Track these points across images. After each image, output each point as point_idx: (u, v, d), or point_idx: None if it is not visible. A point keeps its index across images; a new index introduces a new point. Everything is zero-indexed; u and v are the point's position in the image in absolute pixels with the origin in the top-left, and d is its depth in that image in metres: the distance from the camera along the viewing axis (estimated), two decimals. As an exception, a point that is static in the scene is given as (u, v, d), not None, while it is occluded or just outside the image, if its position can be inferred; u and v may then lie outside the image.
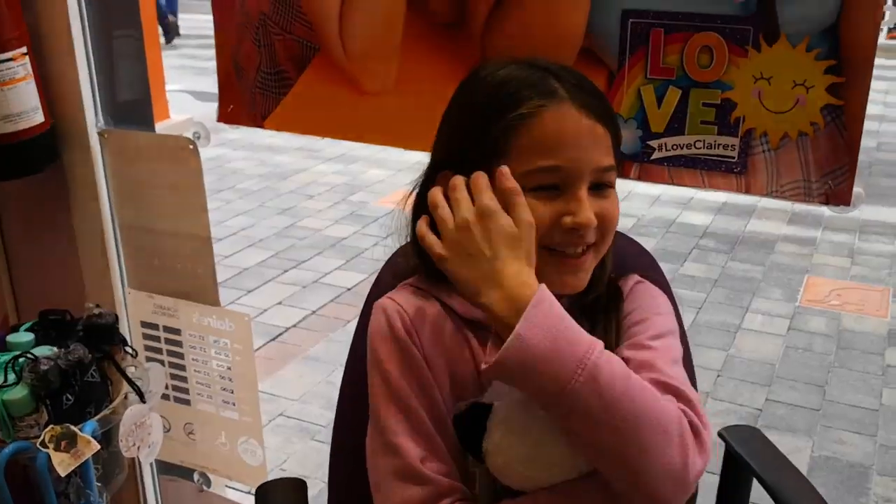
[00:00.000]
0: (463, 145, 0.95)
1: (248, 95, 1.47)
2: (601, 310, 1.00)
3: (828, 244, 4.34)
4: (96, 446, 1.36)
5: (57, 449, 1.34)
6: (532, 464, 0.89)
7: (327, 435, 2.72)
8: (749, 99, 1.13)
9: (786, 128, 1.12)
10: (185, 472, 1.86)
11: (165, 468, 1.86)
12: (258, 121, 1.47)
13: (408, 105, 1.34)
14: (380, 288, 1.12)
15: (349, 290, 3.87)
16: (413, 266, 1.05)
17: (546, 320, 0.82)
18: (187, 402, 1.74)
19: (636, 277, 1.05)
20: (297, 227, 4.68)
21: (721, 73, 1.14)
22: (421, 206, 0.99)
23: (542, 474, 0.90)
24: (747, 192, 1.17)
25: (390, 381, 0.95)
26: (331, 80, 1.39)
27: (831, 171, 1.12)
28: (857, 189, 1.11)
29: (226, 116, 1.51)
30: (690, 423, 0.85)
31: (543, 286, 0.85)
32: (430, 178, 0.98)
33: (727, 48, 1.12)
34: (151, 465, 1.84)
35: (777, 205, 4.85)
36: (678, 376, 0.92)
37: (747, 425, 1.26)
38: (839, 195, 1.12)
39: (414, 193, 1.02)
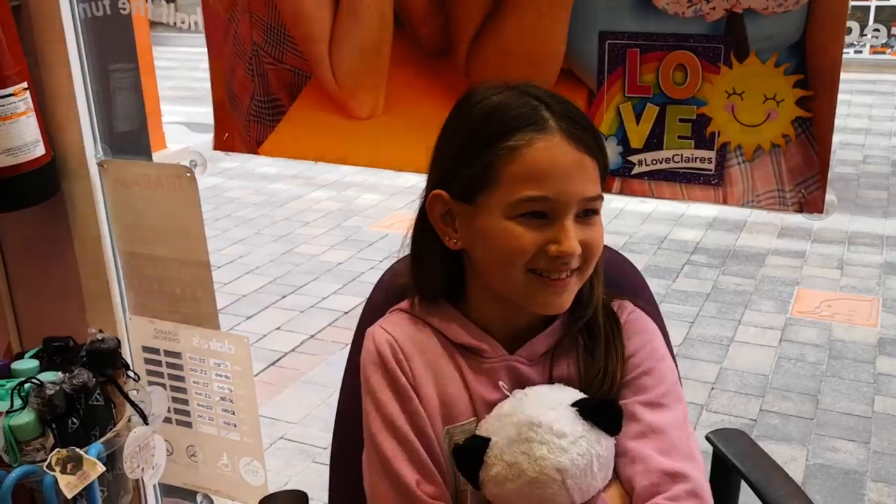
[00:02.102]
0: (455, 168, 0.98)
1: (243, 123, 1.52)
2: (600, 336, 1.03)
3: (817, 256, 4.39)
4: (102, 468, 1.40)
5: (63, 471, 1.37)
6: (527, 497, 0.94)
7: (328, 457, 2.75)
8: (723, 114, 1.18)
9: (759, 140, 1.17)
10: (187, 495, 1.89)
11: (168, 491, 1.89)
12: (253, 148, 1.52)
13: (396, 129, 1.39)
14: (372, 306, 1.16)
15: (346, 313, 3.90)
16: (404, 285, 1.09)
17: None
18: (189, 425, 1.77)
19: (630, 307, 1.08)
20: (293, 254, 4.72)
21: (695, 90, 1.19)
22: (423, 227, 1.03)
23: None
24: (724, 202, 1.21)
25: (383, 409, 1.00)
26: (322, 107, 1.44)
27: (804, 181, 1.17)
28: (829, 197, 1.16)
29: (222, 144, 1.55)
30: None
31: None
32: (426, 196, 1.02)
33: (700, 66, 1.17)
34: (155, 487, 1.87)
35: (767, 219, 4.90)
36: (684, 441, 0.97)
37: (734, 429, 1.29)
38: (812, 203, 1.17)
39: (414, 215, 1.06)
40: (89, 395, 1.44)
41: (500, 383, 1.01)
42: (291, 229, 5.15)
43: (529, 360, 1.03)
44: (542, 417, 0.93)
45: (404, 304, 1.08)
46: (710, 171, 1.21)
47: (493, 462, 0.94)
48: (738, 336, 3.54)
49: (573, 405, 0.95)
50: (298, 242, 4.91)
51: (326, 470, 2.80)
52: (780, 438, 2.79)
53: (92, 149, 1.66)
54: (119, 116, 1.76)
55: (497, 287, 1.00)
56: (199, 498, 1.85)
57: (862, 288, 3.98)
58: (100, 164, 1.66)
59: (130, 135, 1.79)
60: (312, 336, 3.71)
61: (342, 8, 1.37)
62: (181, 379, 1.75)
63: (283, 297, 4.15)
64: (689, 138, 1.21)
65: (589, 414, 0.95)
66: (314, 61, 1.41)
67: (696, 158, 1.21)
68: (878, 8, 8.68)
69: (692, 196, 1.23)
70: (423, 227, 1.03)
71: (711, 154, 1.20)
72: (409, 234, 1.06)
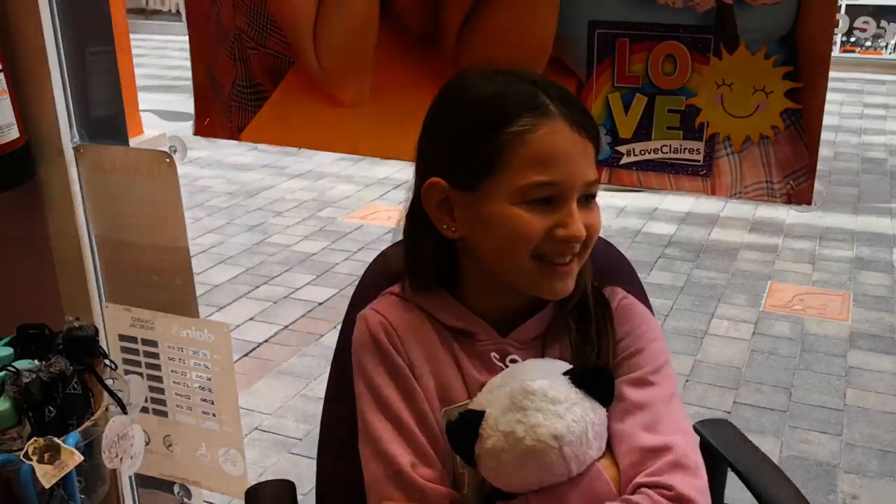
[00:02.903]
0: (454, 156, 0.97)
1: (224, 108, 1.49)
2: (590, 321, 1.03)
3: (789, 251, 4.43)
4: (80, 458, 1.37)
5: (41, 461, 1.34)
6: (524, 468, 0.93)
7: (304, 448, 2.73)
8: (712, 105, 1.18)
9: (748, 131, 1.18)
10: (164, 485, 1.87)
11: (145, 481, 1.86)
12: (234, 133, 1.50)
13: (382, 116, 1.38)
14: (362, 293, 1.15)
15: (321, 304, 3.88)
16: (396, 271, 1.08)
17: None
18: (166, 415, 1.75)
19: (621, 293, 1.08)
20: (266, 244, 4.68)
21: (685, 81, 1.19)
22: (415, 216, 1.02)
23: (533, 478, 0.94)
24: (713, 193, 1.22)
25: (377, 391, 0.99)
26: (306, 93, 1.42)
27: (792, 172, 1.18)
28: (818, 187, 1.16)
29: (202, 129, 1.53)
30: (665, 497, 0.90)
31: None
32: (420, 185, 1.00)
33: (690, 56, 1.17)
34: (131, 478, 1.85)
35: (739, 213, 4.94)
36: (668, 416, 0.96)
37: (721, 419, 1.30)
38: (801, 194, 1.18)
39: (407, 203, 1.05)
40: (66, 383, 1.42)
41: (493, 354, 1.00)
42: (264, 219, 5.11)
43: (521, 343, 1.03)
44: (535, 385, 0.93)
45: (395, 287, 1.07)
46: (699, 161, 1.21)
47: (489, 434, 0.93)
48: (711, 329, 3.56)
49: (565, 374, 0.95)
50: (272, 232, 4.87)
51: (302, 461, 2.78)
52: (753, 430, 2.82)
53: (68, 133, 1.62)
54: (96, 100, 1.73)
55: (500, 274, 0.99)
56: (176, 488, 1.83)
57: (833, 283, 4.03)
58: (76, 149, 1.63)
59: (107, 119, 1.76)
60: (286, 327, 3.69)
61: (328, -7, 1.35)
62: (158, 367, 1.73)
63: (257, 287, 4.11)
64: (678, 129, 1.21)
65: (581, 382, 0.94)
66: (298, 46, 1.40)
67: (684, 149, 1.22)
68: (847, 6, 8.83)
69: (680, 186, 1.23)
70: (416, 216, 1.01)
71: (700, 145, 1.21)
72: (402, 222, 1.05)
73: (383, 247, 4.43)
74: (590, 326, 1.02)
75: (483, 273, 1.01)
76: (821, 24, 1.10)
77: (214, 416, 1.72)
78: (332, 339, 3.61)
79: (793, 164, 1.17)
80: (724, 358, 3.31)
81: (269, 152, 6.38)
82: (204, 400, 1.71)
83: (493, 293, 1.02)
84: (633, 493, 0.92)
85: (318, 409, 3.52)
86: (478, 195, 0.95)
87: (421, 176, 1.01)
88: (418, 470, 0.96)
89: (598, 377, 0.96)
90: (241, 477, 1.74)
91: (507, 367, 1.00)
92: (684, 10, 1.15)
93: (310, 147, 1.45)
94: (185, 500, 1.83)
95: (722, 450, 1.20)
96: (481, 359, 1.01)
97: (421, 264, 1.03)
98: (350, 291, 4.22)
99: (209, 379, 1.69)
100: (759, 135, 1.17)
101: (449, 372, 1.01)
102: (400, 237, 1.07)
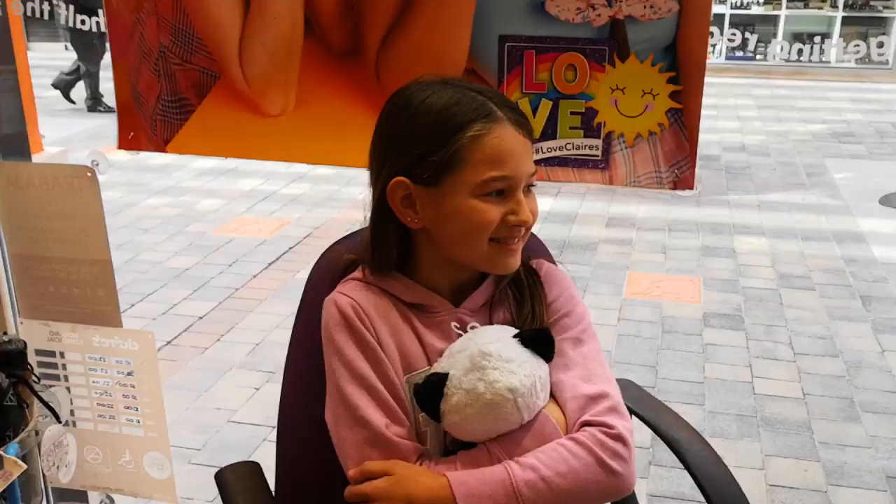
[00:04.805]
0: (415, 159, 1.10)
1: (149, 122, 1.56)
2: (524, 288, 1.20)
3: (643, 243, 4.77)
4: (24, 466, 1.40)
5: (-16, 472, 1.37)
6: (484, 419, 1.08)
7: (203, 457, 2.76)
8: (608, 107, 1.36)
9: (638, 129, 1.36)
10: (81, 496, 1.88)
11: (62, 494, 1.87)
12: (160, 146, 1.56)
13: (308, 125, 1.48)
14: (314, 288, 1.26)
15: (201, 318, 3.87)
16: (348, 262, 1.20)
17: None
18: (86, 426, 1.78)
19: (546, 263, 1.26)
20: (137, 262, 4.61)
21: (584, 87, 1.36)
22: (379, 210, 1.15)
23: (492, 427, 1.09)
24: (611, 183, 1.40)
25: (350, 364, 1.11)
26: (232, 105, 1.51)
27: (677, 163, 1.37)
28: (698, 171, 1.37)
29: (127, 143, 1.59)
30: (606, 435, 1.07)
31: (451, 476, 1.05)
32: (384, 184, 1.12)
33: (588, 65, 1.35)
34: (48, 490, 1.85)
35: (595, 211, 5.27)
36: (600, 369, 1.15)
37: (625, 379, 1.47)
38: (684, 181, 1.38)
39: (370, 200, 1.17)
40: (3, 396, 1.44)
41: (453, 324, 1.15)
42: (132, 237, 5.02)
43: (472, 311, 1.18)
44: (491, 347, 1.08)
45: (356, 273, 1.19)
46: (598, 156, 1.39)
47: (453, 392, 1.07)
48: (580, 318, 3.81)
49: (514, 336, 1.11)
50: (141, 250, 4.80)
51: (204, 470, 2.80)
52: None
53: (-21, 151, 1.64)
54: (2, 119, 1.74)
55: (460, 256, 1.14)
56: (99, 498, 1.85)
57: (684, 269, 4.38)
58: (-12, 167, 1.64)
59: (12, 137, 1.78)
60: (169, 342, 3.67)
61: (253, 9, 1.44)
62: (79, 380, 1.75)
63: (133, 305, 4.06)
64: (579, 128, 1.38)
65: (528, 343, 1.11)
66: (224, 61, 1.48)
67: (585, 146, 1.39)
68: (731, 16, 9.91)
69: (583, 178, 1.40)
70: (380, 210, 1.14)
71: (598, 142, 1.38)
72: (366, 217, 1.17)
73: (257, 258, 4.58)
74: (524, 292, 1.19)
75: (438, 255, 1.15)
76: (697, 35, 1.30)
77: (139, 422, 1.76)
78: (216, 352, 3.64)
79: (677, 156, 1.37)
80: (594, 343, 3.55)
81: (127, 169, 6.25)
82: (128, 408, 1.75)
83: (445, 271, 1.17)
84: (577, 430, 1.09)
85: (212, 419, 3.58)
86: (439, 191, 1.10)
87: (381, 175, 1.13)
88: (391, 429, 1.09)
89: (541, 338, 1.12)
90: (168, 480, 1.79)
91: (465, 333, 1.14)
92: (582, 25, 1.33)
93: (237, 156, 1.54)
94: (109, 508, 1.86)
95: (629, 402, 1.38)
96: (440, 329, 1.15)
97: (384, 251, 1.16)
98: (230, 304, 4.24)
99: (133, 386, 1.73)
100: (648, 131, 1.36)
101: (410, 343, 1.14)
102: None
